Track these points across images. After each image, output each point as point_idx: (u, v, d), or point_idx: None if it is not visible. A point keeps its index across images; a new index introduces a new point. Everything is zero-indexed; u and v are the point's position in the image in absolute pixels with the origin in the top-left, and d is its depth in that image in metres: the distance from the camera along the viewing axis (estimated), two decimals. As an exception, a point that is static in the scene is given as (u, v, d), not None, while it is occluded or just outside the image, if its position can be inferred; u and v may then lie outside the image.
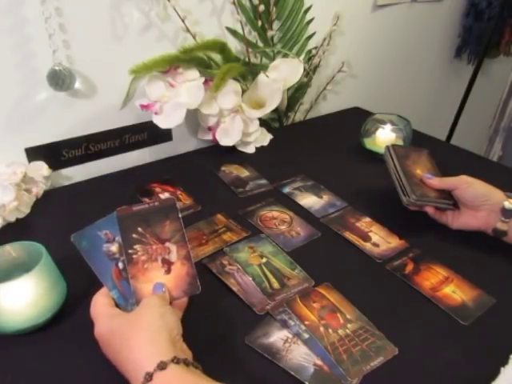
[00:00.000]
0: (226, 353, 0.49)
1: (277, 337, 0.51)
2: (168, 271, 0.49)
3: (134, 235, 0.50)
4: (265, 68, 0.92)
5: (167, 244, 0.50)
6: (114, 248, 0.50)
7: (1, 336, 0.50)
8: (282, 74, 0.91)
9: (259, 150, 0.95)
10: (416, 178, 0.70)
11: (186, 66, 0.81)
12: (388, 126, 0.91)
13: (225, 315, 0.54)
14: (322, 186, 0.82)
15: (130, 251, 0.49)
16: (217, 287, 0.58)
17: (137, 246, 0.49)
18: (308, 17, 1.01)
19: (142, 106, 0.81)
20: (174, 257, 0.50)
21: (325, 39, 1.07)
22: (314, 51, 1.07)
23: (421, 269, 0.62)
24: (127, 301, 0.48)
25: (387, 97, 1.39)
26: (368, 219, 0.72)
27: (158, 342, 0.41)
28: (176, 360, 0.39)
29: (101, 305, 0.47)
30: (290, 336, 0.51)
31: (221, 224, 0.70)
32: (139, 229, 0.50)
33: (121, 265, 0.49)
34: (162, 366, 0.38)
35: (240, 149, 0.94)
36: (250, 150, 0.94)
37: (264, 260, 0.63)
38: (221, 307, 0.55)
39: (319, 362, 0.48)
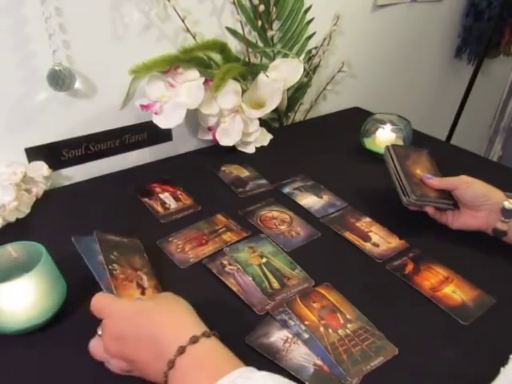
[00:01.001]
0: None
1: (277, 337, 0.51)
2: (143, 293, 0.53)
3: (111, 256, 0.54)
4: (265, 68, 0.92)
5: (139, 272, 0.56)
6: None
7: (1, 336, 0.50)
8: (282, 74, 0.91)
9: (259, 150, 0.95)
10: (416, 177, 0.70)
11: (186, 66, 0.81)
12: (388, 126, 0.91)
13: (225, 315, 0.54)
14: (322, 185, 0.82)
15: (110, 267, 0.52)
16: (217, 287, 0.58)
17: (115, 265, 0.54)
18: (308, 17, 1.01)
19: (142, 106, 0.81)
20: (146, 284, 0.55)
21: (325, 39, 1.07)
22: (314, 51, 1.07)
23: (421, 269, 0.62)
24: None
25: (387, 97, 1.39)
26: (368, 219, 0.72)
27: (188, 319, 0.43)
28: (207, 334, 0.41)
29: (110, 296, 0.48)
30: (290, 336, 0.51)
31: (221, 224, 0.70)
32: (115, 253, 0.55)
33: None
34: (194, 340, 0.40)
35: (240, 149, 0.94)
36: (250, 150, 0.94)
37: (264, 260, 0.63)
38: (221, 307, 0.55)
39: (319, 362, 0.48)
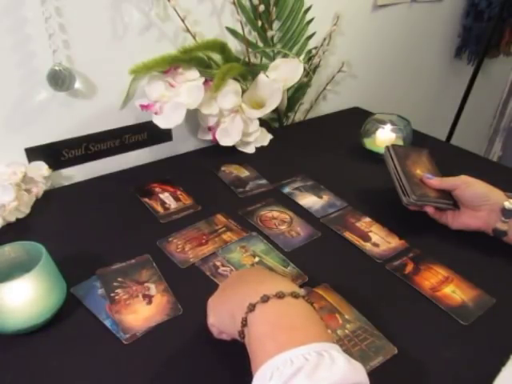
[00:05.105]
0: (226, 354, 0.49)
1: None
2: (149, 302, 0.56)
3: (114, 283, 0.58)
4: (265, 68, 0.92)
5: (146, 284, 0.58)
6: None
7: (1, 336, 0.50)
8: (282, 74, 0.91)
9: (259, 149, 0.95)
10: (416, 178, 0.70)
11: (186, 66, 0.81)
12: (388, 126, 0.91)
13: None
14: (322, 186, 0.82)
15: (111, 295, 0.56)
16: (211, 289, 0.58)
17: (118, 290, 0.57)
18: (308, 17, 1.01)
19: (142, 106, 0.81)
20: (153, 291, 0.57)
21: (325, 39, 1.07)
22: (314, 51, 1.07)
23: (421, 269, 0.62)
24: (118, 327, 0.52)
25: (387, 97, 1.39)
26: (368, 219, 0.72)
27: (276, 278, 0.47)
28: (294, 294, 0.41)
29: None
30: (290, 336, 0.51)
31: (221, 224, 0.70)
32: (119, 278, 0.59)
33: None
34: (280, 295, 0.40)
35: (240, 149, 0.94)
36: (250, 150, 0.94)
37: (257, 259, 0.63)
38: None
39: (319, 362, 0.48)
